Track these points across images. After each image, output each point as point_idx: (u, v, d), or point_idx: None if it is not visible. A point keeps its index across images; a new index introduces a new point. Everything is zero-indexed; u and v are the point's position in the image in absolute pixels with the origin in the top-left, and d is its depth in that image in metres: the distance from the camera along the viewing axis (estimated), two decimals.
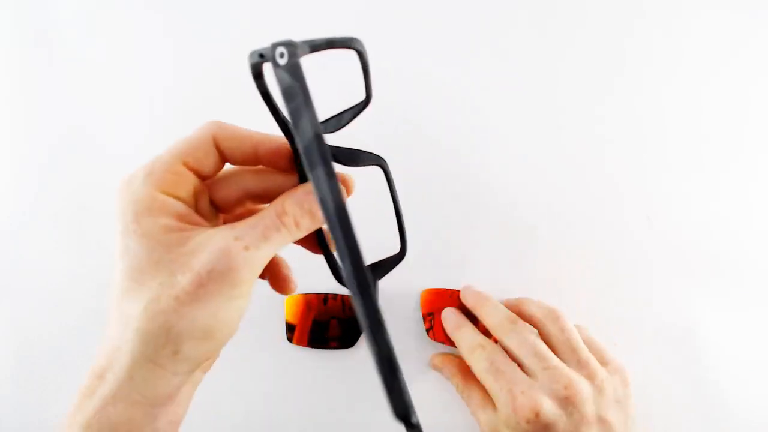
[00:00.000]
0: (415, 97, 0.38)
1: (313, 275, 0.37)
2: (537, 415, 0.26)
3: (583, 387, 0.27)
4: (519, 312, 0.32)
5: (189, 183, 0.21)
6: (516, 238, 0.37)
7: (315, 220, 0.20)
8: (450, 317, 0.34)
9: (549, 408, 0.26)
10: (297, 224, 0.20)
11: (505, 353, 0.30)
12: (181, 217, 0.20)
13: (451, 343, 0.36)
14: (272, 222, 0.20)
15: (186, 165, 0.21)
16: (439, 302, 0.36)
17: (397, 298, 0.37)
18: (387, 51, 0.39)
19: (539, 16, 0.39)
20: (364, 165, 0.23)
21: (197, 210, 0.21)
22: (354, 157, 0.23)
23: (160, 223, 0.19)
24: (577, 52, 0.39)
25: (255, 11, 0.40)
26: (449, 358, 0.35)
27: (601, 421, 0.27)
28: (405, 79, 0.38)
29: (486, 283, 0.36)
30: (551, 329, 0.30)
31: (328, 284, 0.37)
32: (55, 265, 0.38)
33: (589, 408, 0.27)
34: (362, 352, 0.36)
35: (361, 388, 0.36)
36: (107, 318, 0.21)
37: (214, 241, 0.19)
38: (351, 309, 0.36)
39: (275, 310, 0.37)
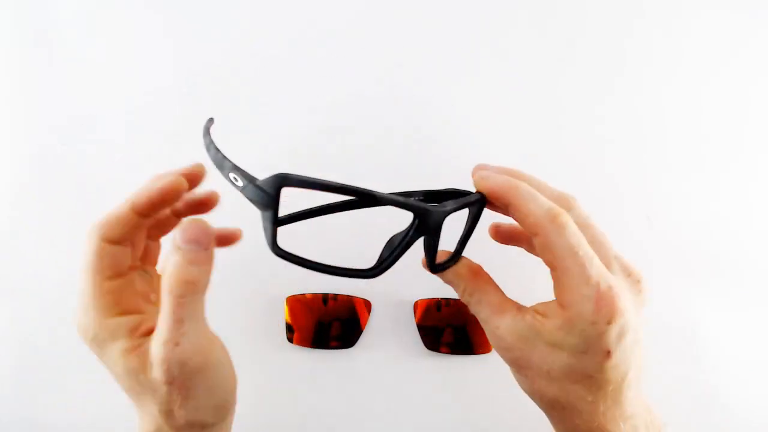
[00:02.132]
0: (413, 98, 0.38)
1: (313, 275, 0.37)
2: (622, 316, 0.22)
3: (646, 282, 0.24)
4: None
5: (125, 271, 0.25)
6: None
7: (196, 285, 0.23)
8: (493, 175, 0.25)
9: (631, 311, 0.22)
10: (181, 286, 0.22)
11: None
12: (132, 332, 0.23)
13: (447, 352, 0.36)
14: (172, 305, 0.22)
15: (112, 275, 0.24)
16: (432, 312, 0.36)
17: (392, 308, 0.37)
18: (386, 48, 0.39)
19: (540, 16, 0.39)
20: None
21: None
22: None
23: (118, 349, 0.23)
24: (577, 52, 0.39)
25: (255, 11, 0.40)
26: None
27: (637, 340, 0.23)
28: (406, 80, 0.38)
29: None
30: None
31: (328, 285, 0.37)
32: (55, 264, 0.38)
33: (642, 306, 0.24)
34: (362, 352, 0.36)
35: (361, 388, 0.36)
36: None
37: (154, 355, 0.22)
38: (352, 309, 0.36)
39: (275, 310, 0.37)
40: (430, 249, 0.24)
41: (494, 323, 0.24)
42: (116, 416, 0.35)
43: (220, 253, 0.38)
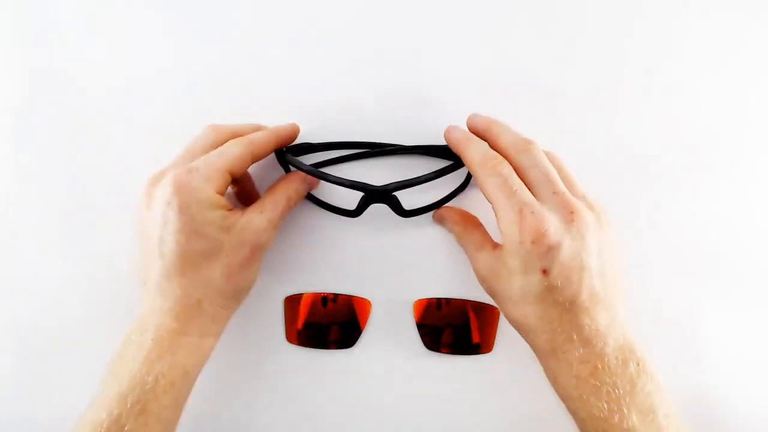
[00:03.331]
0: (421, 95, 0.39)
1: (312, 275, 0.37)
2: (543, 235, 0.26)
3: (587, 215, 0.27)
4: (495, 141, 0.31)
5: (228, 183, 0.30)
6: None
7: (299, 194, 0.34)
8: (456, 130, 0.32)
9: (555, 229, 0.26)
10: (295, 197, 0.33)
11: (515, 173, 0.28)
12: (227, 208, 0.30)
13: (448, 351, 0.36)
14: (284, 205, 0.32)
15: (229, 173, 0.30)
16: (432, 312, 0.36)
17: (393, 307, 0.37)
18: (393, 42, 0.39)
19: (539, 16, 0.39)
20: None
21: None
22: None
23: (219, 214, 0.29)
24: (577, 51, 0.39)
25: (255, 11, 0.40)
26: (452, 209, 0.35)
27: (600, 251, 0.27)
28: (417, 77, 0.38)
29: None
30: (556, 163, 0.30)
31: (327, 285, 0.37)
32: (55, 264, 0.38)
33: (590, 236, 0.27)
34: (361, 352, 0.36)
35: (361, 388, 0.36)
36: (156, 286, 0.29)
37: (257, 223, 0.30)
38: (351, 310, 0.36)
39: (274, 310, 0.37)
40: (395, 207, 0.33)
41: (475, 258, 0.31)
42: None
43: None
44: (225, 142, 0.31)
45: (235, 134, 0.32)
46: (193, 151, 0.31)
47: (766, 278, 0.37)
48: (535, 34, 0.39)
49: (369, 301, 0.36)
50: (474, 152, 0.29)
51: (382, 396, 0.36)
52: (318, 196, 0.36)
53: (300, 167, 0.32)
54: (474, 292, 0.36)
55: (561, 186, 0.28)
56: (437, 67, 0.39)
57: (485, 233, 0.32)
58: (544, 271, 0.26)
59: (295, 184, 0.33)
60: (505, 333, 0.36)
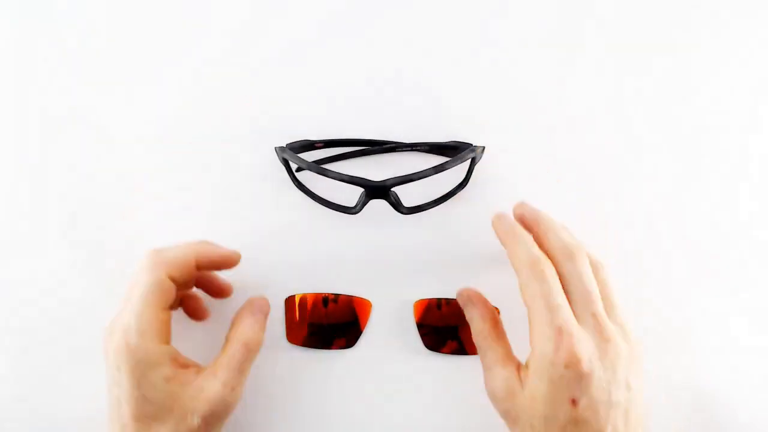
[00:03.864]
0: (422, 92, 0.39)
1: (312, 274, 0.37)
2: (579, 361, 0.24)
3: (621, 346, 0.26)
4: (539, 238, 0.29)
5: (173, 306, 0.29)
6: None
7: (257, 334, 0.30)
8: (504, 220, 0.30)
9: (590, 357, 0.24)
10: (255, 339, 0.30)
11: (560, 285, 0.27)
12: (174, 362, 0.27)
13: (448, 351, 0.35)
14: (242, 356, 0.28)
15: (165, 307, 0.27)
16: (432, 312, 0.36)
17: (392, 307, 0.36)
18: (394, 40, 0.39)
19: (539, 16, 0.39)
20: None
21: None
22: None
23: (162, 375, 0.26)
24: (576, 52, 0.39)
25: (255, 8, 0.40)
26: (484, 299, 0.32)
27: (628, 386, 0.25)
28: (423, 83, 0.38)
29: (484, 288, 0.36)
30: (600, 277, 0.28)
31: (327, 286, 0.37)
32: (55, 264, 0.38)
33: (621, 367, 0.25)
34: (362, 352, 0.36)
35: (361, 389, 0.36)
36: None
37: (208, 390, 0.27)
38: (353, 312, 0.36)
39: (274, 309, 0.37)
40: (395, 204, 0.33)
41: (492, 373, 0.28)
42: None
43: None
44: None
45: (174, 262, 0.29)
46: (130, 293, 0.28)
47: (766, 278, 0.37)
48: (535, 34, 0.39)
49: (369, 302, 0.36)
50: (521, 250, 0.27)
51: (383, 396, 0.36)
52: (318, 194, 0.36)
53: (300, 164, 0.32)
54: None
55: (600, 307, 0.26)
56: (438, 64, 0.39)
57: (508, 346, 0.30)
58: (573, 402, 0.24)
59: (248, 323, 0.30)
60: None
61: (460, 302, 0.32)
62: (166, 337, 0.27)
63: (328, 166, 0.37)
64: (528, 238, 0.28)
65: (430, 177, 0.31)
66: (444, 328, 0.36)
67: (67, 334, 0.37)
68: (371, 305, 0.36)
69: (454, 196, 0.37)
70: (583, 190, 0.38)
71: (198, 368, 0.28)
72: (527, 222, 0.30)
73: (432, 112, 0.38)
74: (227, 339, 0.30)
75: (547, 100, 0.39)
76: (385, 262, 0.37)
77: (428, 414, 0.35)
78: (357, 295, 0.36)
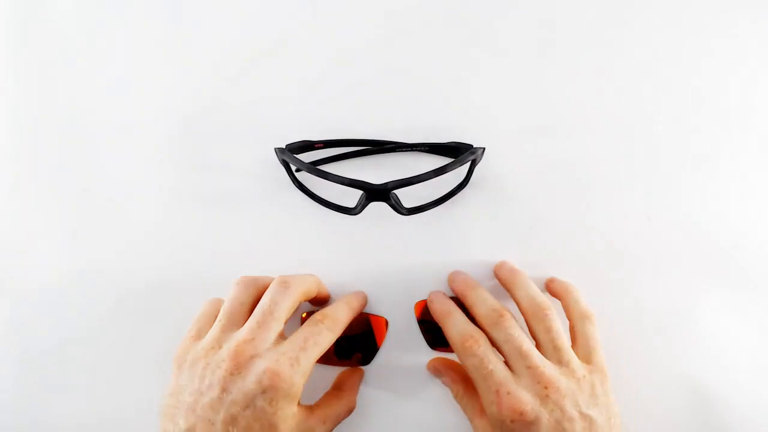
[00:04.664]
0: (421, 92, 0.39)
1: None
2: (521, 414, 0.27)
3: (561, 385, 0.28)
4: (511, 293, 0.33)
5: None
6: (514, 240, 0.37)
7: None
8: (438, 300, 0.34)
9: (532, 407, 0.27)
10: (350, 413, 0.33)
11: (493, 348, 0.30)
12: (300, 405, 0.29)
13: (449, 350, 0.35)
14: (341, 418, 0.32)
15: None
16: (430, 317, 0.36)
17: (394, 307, 0.36)
18: (394, 39, 0.39)
19: (542, 16, 0.39)
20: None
21: None
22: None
23: (296, 414, 0.28)
24: (576, 52, 0.39)
25: (256, 9, 0.40)
26: (450, 364, 0.35)
27: (583, 417, 0.28)
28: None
29: (486, 285, 0.36)
30: (537, 327, 0.31)
31: (326, 285, 0.37)
32: (55, 264, 0.38)
33: (569, 404, 0.28)
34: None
35: (362, 389, 0.36)
36: None
37: (313, 431, 0.29)
38: (368, 327, 0.36)
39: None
40: (395, 205, 0.33)
41: (475, 423, 0.31)
42: (123, 417, 0.35)
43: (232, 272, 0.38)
44: (262, 295, 0.30)
45: (265, 286, 0.31)
46: (240, 313, 0.30)
47: (766, 278, 0.37)
48: (535, 34, 0.39)
49: (386, 320, 0.36)
50: (452, 330, 0.31)
51: (384, 396, 0.36)
52: (318, 194, 0.36)
53: (300, 166, 0.32)
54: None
55: (534, 359, 0.29)
56: (438, 64, 0.39)
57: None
58: None
59: (355, 391, 0.34)
60: None
61: (432, 374, 0.36)
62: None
63: (328, 167, 0.37)
64: (459, 315, 0.32)
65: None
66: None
67: (67, 336, 0.37)
68: (388, 323, 0.36)
69: (454, 197, 0.37)
70: (584, 191, 0.38)
71: (309, 408, 0.30)
72: (457, 294, 0.34)
73: (432, 112, 0.38)
74: (340, 388, 0.34)
75: (548, 101, 0.38)
76: (385, 262, 0.37)
77: (430, 415, 0.35)
78: (372, 312, 0.36)
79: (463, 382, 0.33)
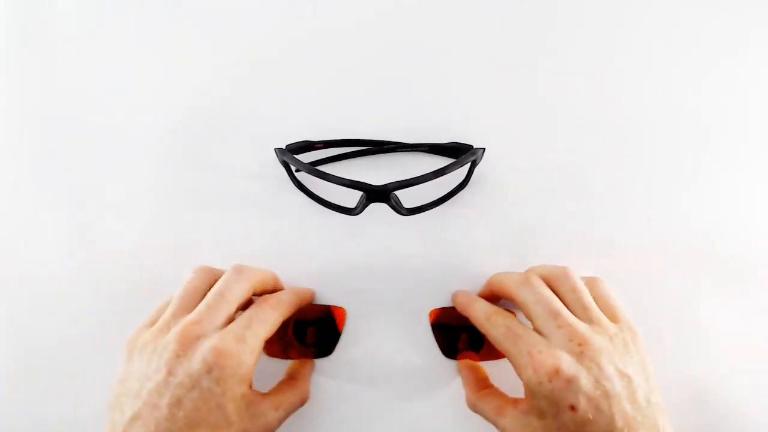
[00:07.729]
0: (421, 92, 0.39)
1: (313, 277, 0.37)
2: (557, 371, 0.26)
3: (596, 341, 0.27)
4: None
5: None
6: (515, 240, 0.37)
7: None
8: (462, 294, 0.35)
9: (568, 363, 0.26)
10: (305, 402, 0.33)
11: (518, 320, 0.30)
12: (251, 387, 0.29)
13: (467, 356, 0.35)
14: (296, 407, 0.32)
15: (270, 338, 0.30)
16: (446, 320, 0.36)
17: (395, 307, 0.36)
18: (394, 39, 0.39)
19: (542, 17, 0.39)
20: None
21: None
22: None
23: (244, 394, 0.27)
24: (576, 52, 0.39)
25: (256, 8, 0.40)
26: (468, 365, 0.35)
27: (621, 374, 0.27)
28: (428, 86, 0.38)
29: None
30: (561, 288, 0.30)
31: (327, 283, 0.37)
32: (55, 263, 0.38)
33: (605, 361, 0.27)
34: (366, 353, 0.36)
35: (363, 389, 0.36)
36: None
37: (268, 420, 0.29)
38: (328, 313, 0.36)
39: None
40: (396, 206, 0.33)
41: (500, 424, 0.29)
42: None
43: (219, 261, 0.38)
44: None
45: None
46: (193, 298, 0.29)
47: (766, 278, 0.37)
48: (535, 34, 0.39)
49: (344, 309, 0.36)
50: (477, 311, 0.31)
51: (385, 397, 0.36)
52: (318, 194, 0.36)
53: (300, 166, 0.32)
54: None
55: (566, 317, 0.28)
56: (438, 64, 0.39)
57: (500, 395, 0.32)
58: (572, 407, 0.26)
59: (309, 381, 0.34)
60: None
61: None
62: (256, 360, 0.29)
63: (328, 168, 0.37)
64: (482, 301, 0.32)
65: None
66: (461, 328, 0.35)
67: (67, 336, 0.37)
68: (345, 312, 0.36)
69: (454, 197, 0.37)
70: (583, 191, 0.38)
71: (261, 394, 0.29)
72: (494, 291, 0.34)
73: (432, 112, 0.38)
74: (294, 378, 0.33)
75: (548, 102, 0.39)
76: (385, 262, 0.37)
77: (433, 416, 0.35)
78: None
79: (477, 385, 0.33)
